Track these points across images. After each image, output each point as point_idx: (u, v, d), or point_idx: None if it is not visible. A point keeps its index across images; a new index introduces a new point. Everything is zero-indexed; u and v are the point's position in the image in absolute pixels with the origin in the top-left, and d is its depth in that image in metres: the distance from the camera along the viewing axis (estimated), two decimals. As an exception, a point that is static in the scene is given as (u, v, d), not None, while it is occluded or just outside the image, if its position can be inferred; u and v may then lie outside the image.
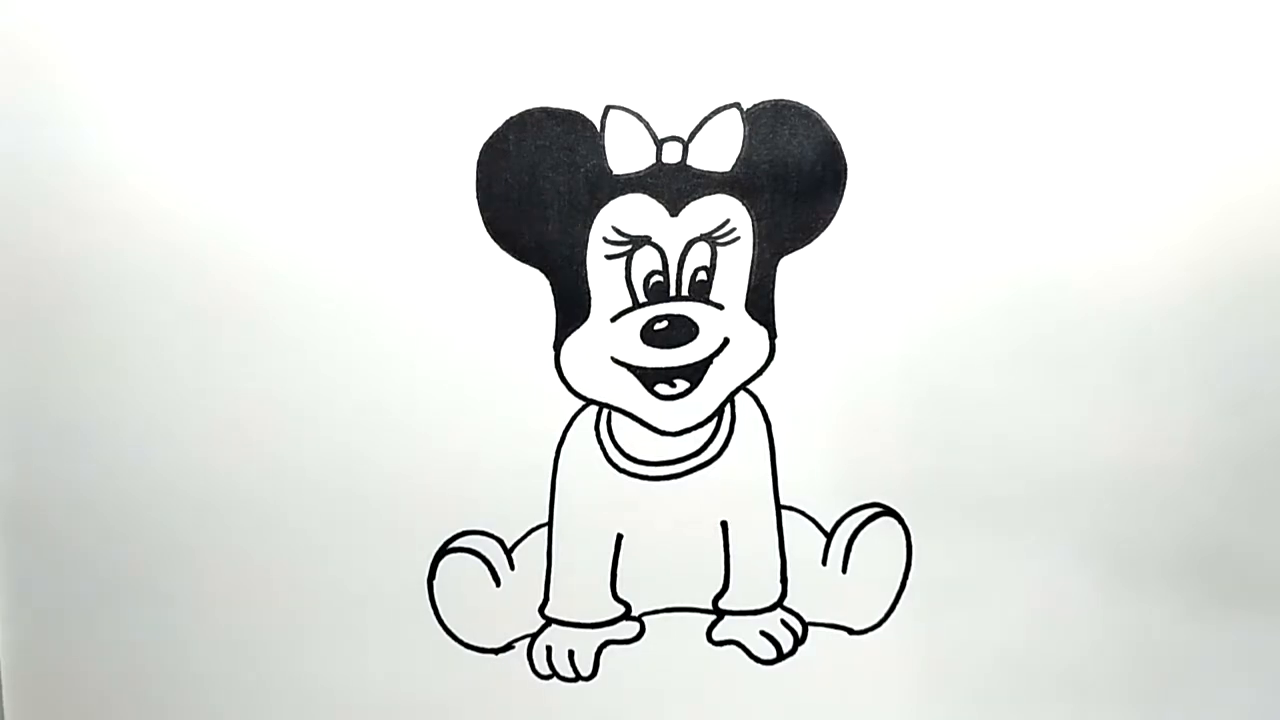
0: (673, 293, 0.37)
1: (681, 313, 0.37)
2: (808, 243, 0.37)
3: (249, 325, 0.37)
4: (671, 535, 0.40)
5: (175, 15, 0.34)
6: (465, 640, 0.40)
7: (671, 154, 0.36)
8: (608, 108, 0.35)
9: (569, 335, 0.37)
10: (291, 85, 0.35)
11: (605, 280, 0.37)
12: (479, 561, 0.39)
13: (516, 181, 0.36)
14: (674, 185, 0.36)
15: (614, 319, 0.37)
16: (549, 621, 0.40)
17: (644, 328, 0.37)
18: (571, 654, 0.41)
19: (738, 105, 0.36)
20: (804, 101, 0.36)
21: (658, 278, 0.37)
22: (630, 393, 0.38)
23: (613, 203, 0.36)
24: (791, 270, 0.37)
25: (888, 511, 0.40)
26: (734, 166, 0.36)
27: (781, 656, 0.41)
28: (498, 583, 0.40)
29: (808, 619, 0.41)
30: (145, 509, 0.38)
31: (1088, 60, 0.36)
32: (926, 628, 0.41)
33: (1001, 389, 0.39)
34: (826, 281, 0.37)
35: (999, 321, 0.38)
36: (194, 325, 0.37)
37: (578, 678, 0.41)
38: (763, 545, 0.40)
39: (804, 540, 0.40)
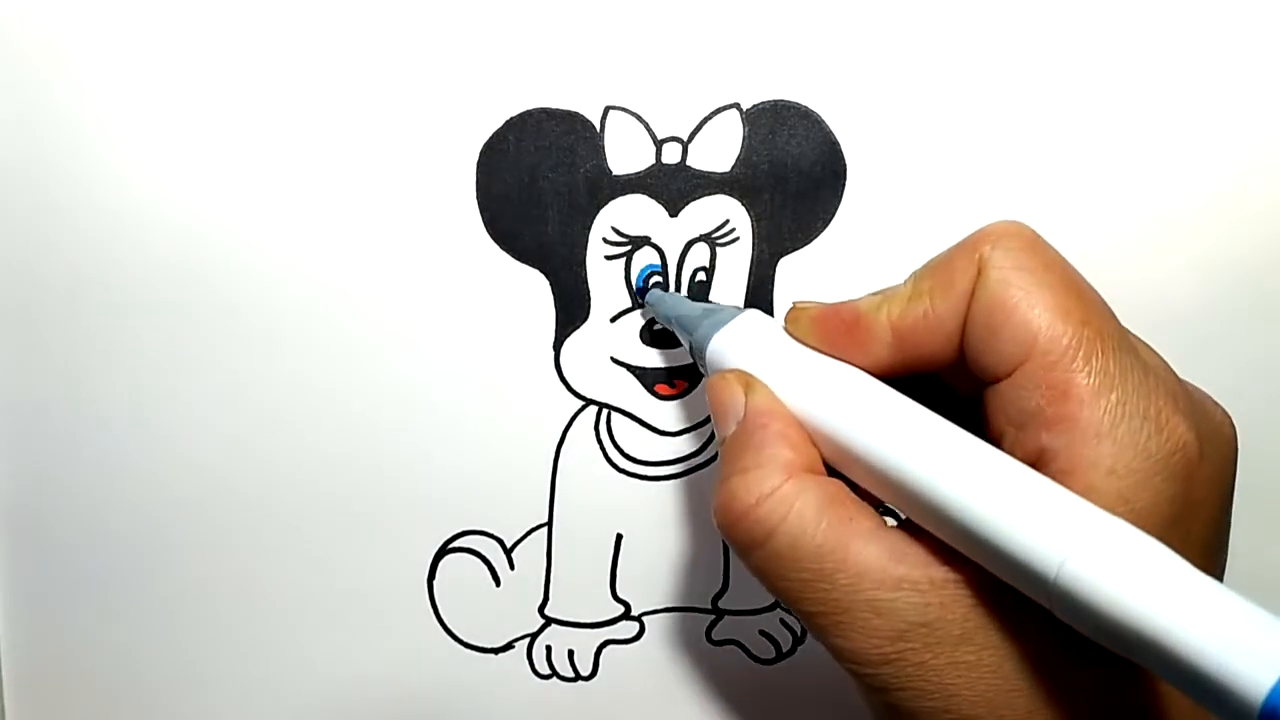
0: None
1: (681, 313, 0.37)
2: (807, 243, 0.37)
3: (249, 326, 0.37)
4: (671, 535, 0.40)
5: (172, 15, 0.34)
6: (465, 640, 0.40)
7: (671, 154, 0.36)
8: (607, 108, 0.35)
9: (569, 335, 0.37)
10: (289, 85, 0.35)
11: (605, 280, 0.37)
12: (479, 561, 0.40)
13: (516, 182, 0.36)
14: (673, 186, 0.36)
15: (614, 319, 0.37)
16: (549, 621, 0.40)
17: (644, 328, 0.37)
18: (571, 654, 0.41)
19: (737, 105, 0.36)
20: (804, 102, 0.36)
21: (657, 278, 0.37)
22: (630, 393, 0.38)
23: (612, 203, 0.36)
24: (791, 271, 0.37)
25: (887, 510, 0.40)
26: (733, 167, 0.36)
27: (781, 656, 0.41)
28: (498, 583, 0.40)
29: (807, 619, 0.41)
30: (145, 511, 0.39)
31: (1091, 60, 0.36)
32: (926, 628, 0.41)
33: (1001, 389, 0.39)
34: (826, 282, 0.37)
35: (999, 322, 0.38)
36: (193, 326, 0.37)
37: (577, 677, 0.41)
38: (763, 545, 0.40)
39: (804, 540, 0.40)
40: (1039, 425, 0.24)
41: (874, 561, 0.24)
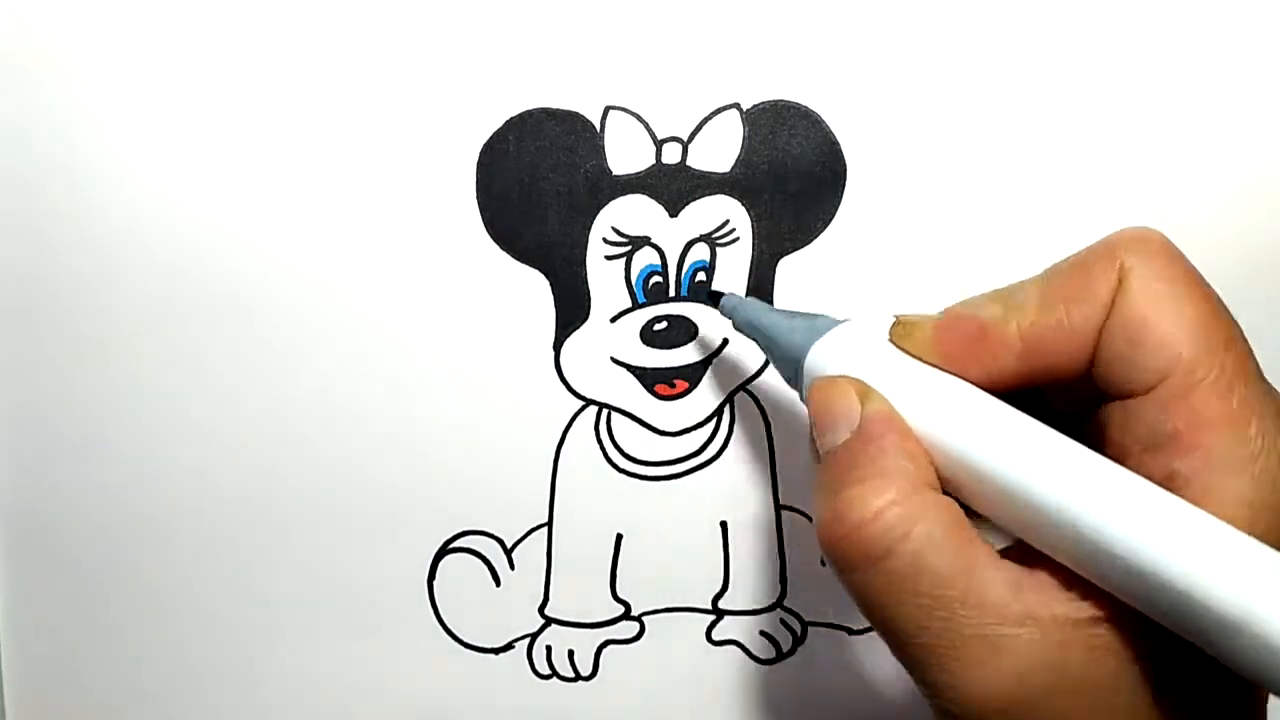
0: (672, 293, 0.37)
1: (681, 313, 0.37)
2: (806, 244, 0.37)
3: (248, 328, 0.37)
4: (671, 535, 0.40)
5: (171, 17, 0.34)
6: (465, 640, 0.40)
7: (671, 155, 0.36)
8: (607, 108, 0.35)
9: (569, 335, 0.37)
10: (289, 86, 0.35)
11: (605, 280, 0.37)
12: (479, 561, 0.40)
13: (516, 182, 0.36)
14: (673, 186, 0.36)
15: (614, 319, 0.37)
16: (549, 621, 0.40)
17: (643, 328, 0.37)
18: (571, 654, 0.41)
19: (737, 106, 0.36)
20: (804, 102, 0.36)
21: (657, 278, 0.37)
22: (630, 393, 0.38)
23: (612, 203, 0.36)
24: (790, 271, 0.37)
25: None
26: (733, 167, 0.36)
27: (781, 656, 0.41)
28: (498, 583, 0.40)
29: (808, 619, 0.41)
30: (145, 512, 0.39)
31: (1090, 59, 0.36)
32: (926, 628, 0.41)
33: (1002, 389, 0.39)
34: (825, 282, 0.37)
35: (999, 322, 0.38)
36: (193, 328, 0.37)
37: (578, 678, 0.41)
38: (763, 545, 0.40)
39: (804, 540, 0.40)
40: (1173, 449, 0.22)
41: (999, 593, 0.22)
